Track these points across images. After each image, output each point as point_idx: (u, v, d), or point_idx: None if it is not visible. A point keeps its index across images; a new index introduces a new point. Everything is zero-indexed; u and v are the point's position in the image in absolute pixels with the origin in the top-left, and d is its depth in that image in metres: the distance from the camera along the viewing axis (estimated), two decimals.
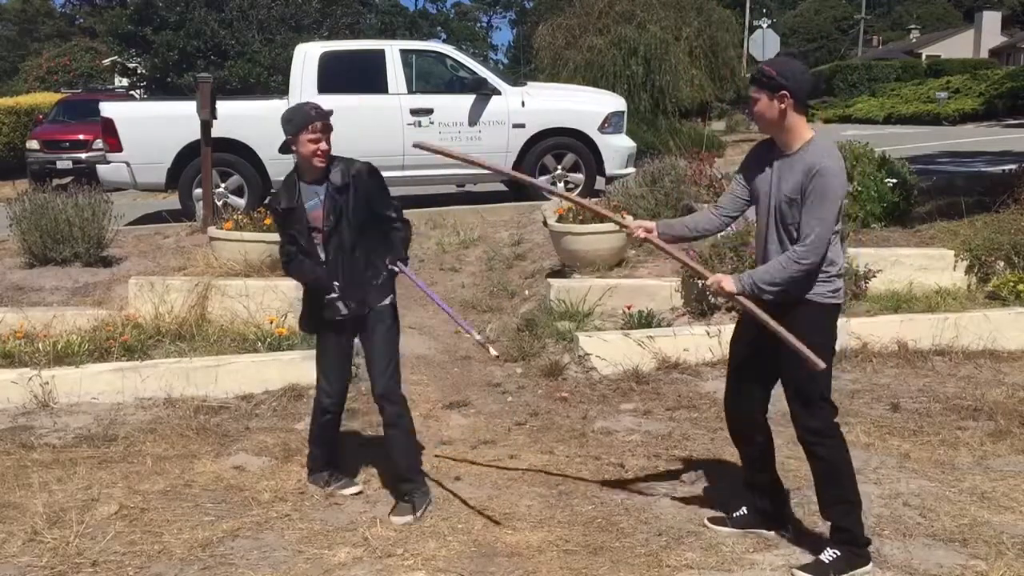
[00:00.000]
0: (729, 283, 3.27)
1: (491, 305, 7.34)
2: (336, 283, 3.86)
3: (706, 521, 3.73)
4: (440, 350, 6.52)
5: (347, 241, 3.84)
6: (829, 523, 3.38)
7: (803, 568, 3.32)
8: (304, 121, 3.74)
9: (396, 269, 3.94)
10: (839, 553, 3.29)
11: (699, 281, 3.21)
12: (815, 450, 3.34)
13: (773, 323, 3.17)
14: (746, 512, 3.67)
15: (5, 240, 8.25)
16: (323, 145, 3.77)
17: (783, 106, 3.17)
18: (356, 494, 4.09)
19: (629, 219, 3.61)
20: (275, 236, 6.76)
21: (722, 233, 6.96)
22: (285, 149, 3.86)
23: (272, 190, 10.35)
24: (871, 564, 3.33)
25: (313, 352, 5.69)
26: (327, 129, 3.79)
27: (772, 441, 3.62)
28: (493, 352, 3.94)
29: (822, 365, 3.12)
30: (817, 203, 3.12)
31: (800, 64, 3.40)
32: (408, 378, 5.87)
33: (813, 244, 3.13)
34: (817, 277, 3.23)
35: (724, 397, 3.67)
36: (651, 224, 3.54)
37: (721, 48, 20.14)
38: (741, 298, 3.26)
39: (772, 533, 3.61)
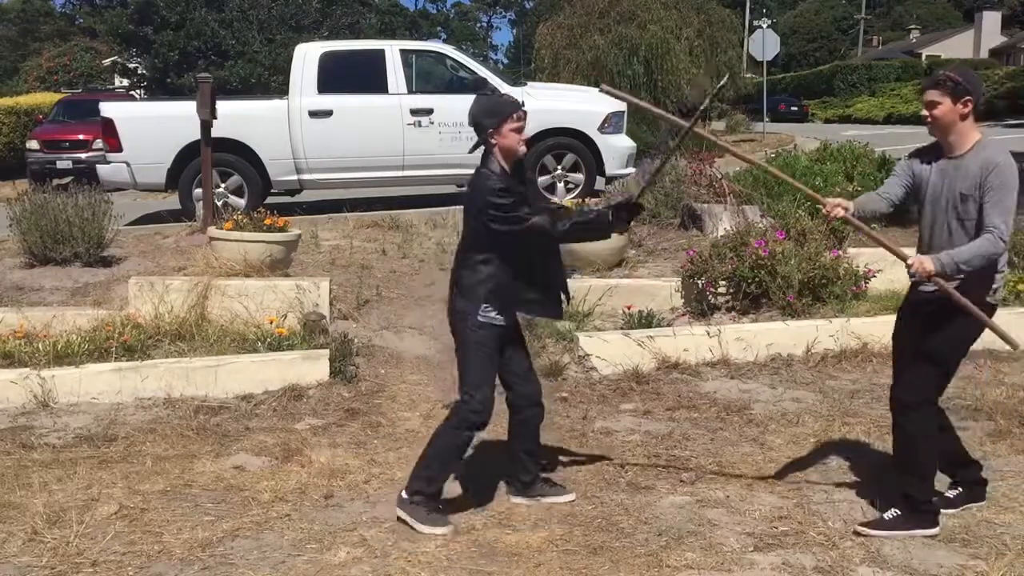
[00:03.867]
0: (929, 264, 3.39)
1: None
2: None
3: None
4: (440, 350, 6.51)
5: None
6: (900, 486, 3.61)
7: (864, 523, 3.61)
8: (508, 111, 3.69)
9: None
10: (899, 513, 3.57)
11: (904, 262, 3.39)
12: (897, 419, 3.60)
13: (968, 304, 3.40)
14: (961, 490, 3.85)
15: (5, 240, 8.25)
16: (524, 136, 3.74)
17: (965, 111, 3.40)
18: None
19: (829, 200, 3.67)
20: (275, 236, 6.83)
21: (721, 234, 6.99)
22: (481, 142, 3.74)
23: (272, 189, 10.37)
24: (936, 528, 3.56)
25: (313, 352, 5.74)
26: (524, 118, 3.74)
27: (944, 415, 3.86)
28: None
29: (1020, 345, 3.61)
30: (1000, 195, 3.34)
31: (974, 72, 3.66)
32: (408, 378, 5.90)
33: (1005, 230, 3.35)
34: (993, 273, 3.49)
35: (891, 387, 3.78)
36: (848, 203, 3.65)
37: (721, 48, 20.13)
38: (940, 280, 3.39)
39: (984, 503, 3.82)
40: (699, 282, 6.49)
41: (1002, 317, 5.98)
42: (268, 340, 5.87)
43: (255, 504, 3.98)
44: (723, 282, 6.40)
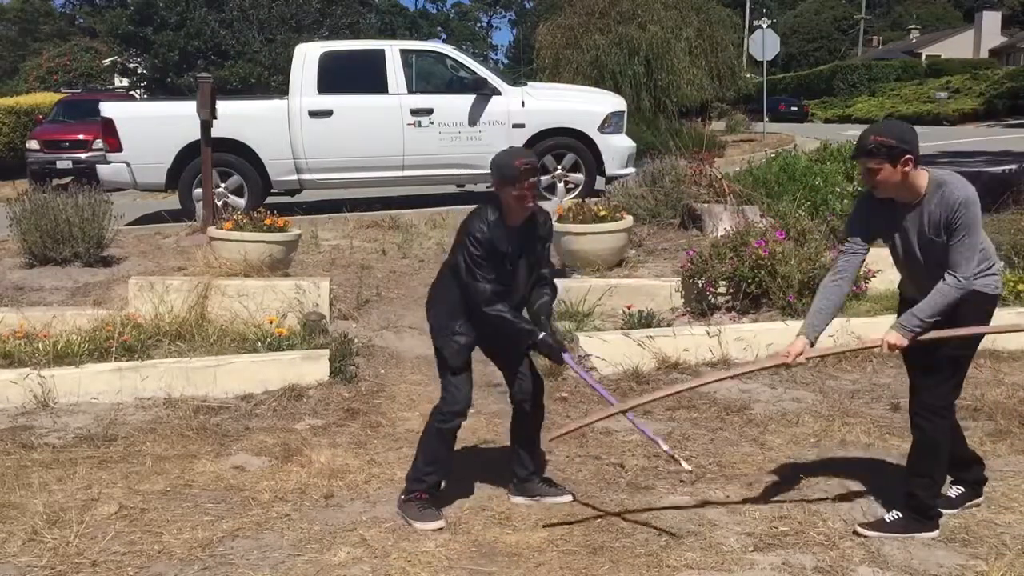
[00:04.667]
0: (896, 338, 3.42)
1: None
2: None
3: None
4: None
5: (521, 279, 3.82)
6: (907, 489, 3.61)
7: (864, 524, 3.61)
8: (515, 176, 3.60)
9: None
10: (901, 515, 3.58)
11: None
12: (920, 422, 3.56)
13: (945, 334, 3.43)
14: (964, 490, 3.85)
15: (5, 240, 8.25)
16: (530, 202, 3.68)
17: (907, 169, 3.33)
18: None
19: (788, 358, 3.60)
20: (275, 236, 6.83)
21: (721, 234, 6.99)
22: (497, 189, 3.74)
23: (272, 189, 10.37)
24: (936, 531, 3.57)
25: (313, 352, 5.74)
26: (534, 187, 3.68)
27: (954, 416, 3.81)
28: (687, 467, 3.81)
29: (985, 330, 3.62)
30: (967, 233, 3.33)
31: (903, 123, 3.55)
32: (408, 378, 5.89)
33: (967, 269, 3.35)
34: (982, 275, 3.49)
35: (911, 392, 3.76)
36: (801, 344, 3.56)
37: (721, 48, 20.14)
38: (919, 339, 3.42)
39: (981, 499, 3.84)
40: (699, 282, 6.49)
41: (1003, 317, 6.01)
42: (268, 340, 5.87)
43: (255, 504, 3.98)
44: (723, 282, 6.40)
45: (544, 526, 3.76)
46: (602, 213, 7.26)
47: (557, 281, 6.89)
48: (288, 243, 6.98)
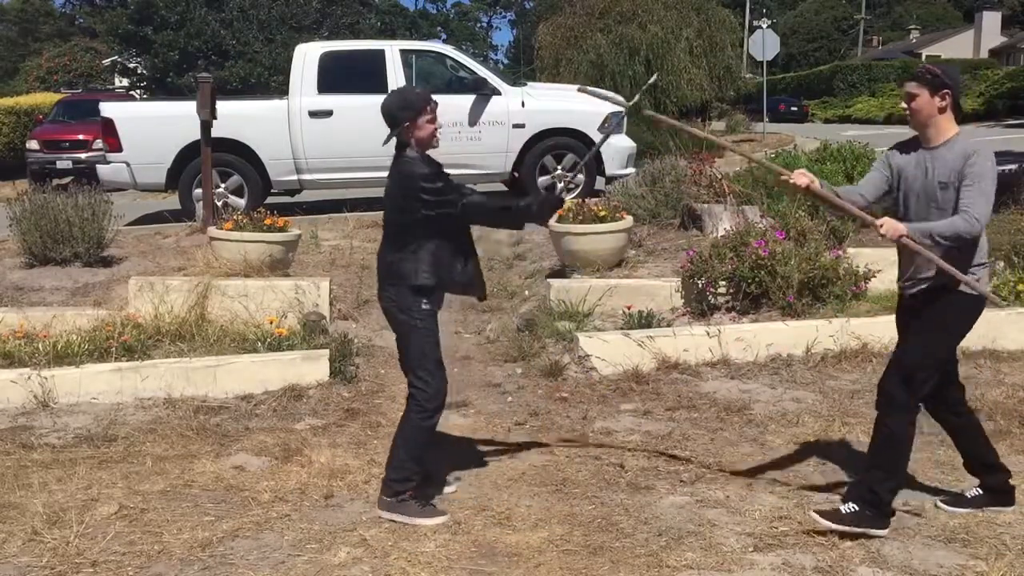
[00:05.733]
0: (894, 227, 3.47)
1: (491, 305, 7.33)
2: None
3: (939, 502, 3.85)
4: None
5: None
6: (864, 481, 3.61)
7: (820, 512, 3.59)
8: (423, 103, 3.78)
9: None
10: (857, 508, 3.54)
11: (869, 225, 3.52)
12: (883, 416, 3.58)
13: (936, 259, 3.44)
14: (981, 492, 3.84)
15: (5, 240, 8.25)
16: (439, 124, 3.86)
17: (943, 104, 3.47)
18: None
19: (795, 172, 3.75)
20: (275, 236, 6.83)
21: (721, 234, 6.99)
22: (395, 135, 3.85)
23: (272, 189, 10.36)
24: (886, 531, 3.53)
25: (313, 352, 5.74)
26: (436, 110, 3.85)
27: (971, 416, 3.91)
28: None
29: (1004, 302, 3.69)
30: (978, 181, 3.41)
31: (955, 70, 3.67)
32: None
33: (980, 213, 3.40)
34: (970, 264, 3.49)
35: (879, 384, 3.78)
36: (814, 177, 3.69)
37: (720, 48, 20.15)
38: (909, 240, 3.45)
39: (1010, 509, 3.78)
40: (699, 282, 6.49)
41: (1003, 317, 6.02)
42: (268, 340, 5.87)
43: (255, 504, 3.98)
44: (723, 282, 6.40)
45: (544, 526, 3.76)
46: (602, 213, 7.26)
47: (557, 281, 6.93)
48: (288, 243, 6.98)
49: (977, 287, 3.49)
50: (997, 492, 3.82)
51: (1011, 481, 3.86)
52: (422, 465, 3.89)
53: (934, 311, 3.56)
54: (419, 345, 3.82)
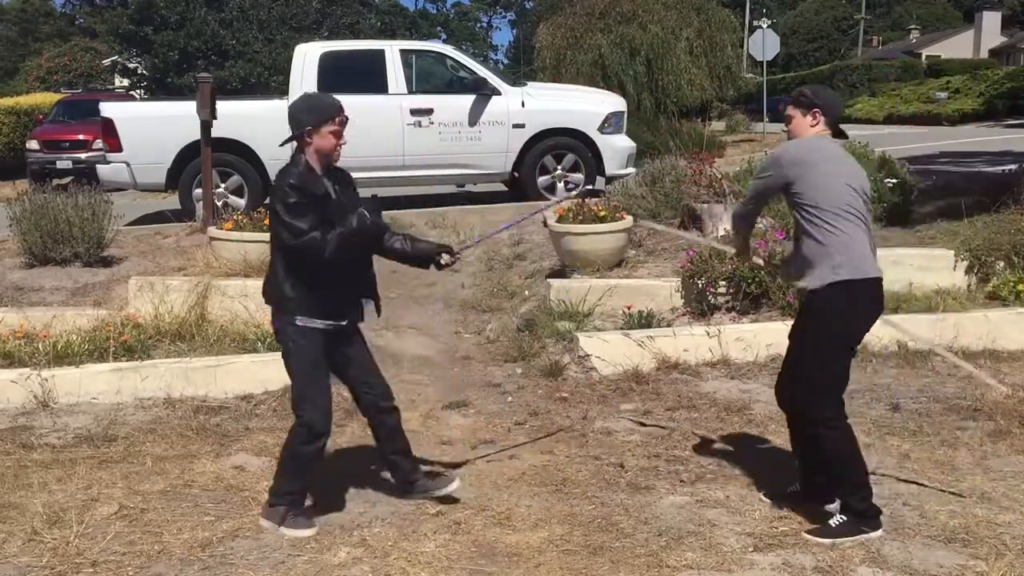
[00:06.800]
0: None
1: (491, 305, 7.34)
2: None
3: (762, 496, 3.93)
4: (440, 350, 6.52)
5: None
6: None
7: (810, 531, 3.60)
8: (330, 112, 3.60)
9: (455, 258, 4.00)
10: (845, 519, 3.56)
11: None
12: (811, 433, 3.62)
13: (717, 244, 3.98)
14: (799, 488, 3.87)
15: (5, 240, 8.25)
16: (343, 140, 3.67)
17: (815, 122, 3.68)
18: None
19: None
20: None
21: (721, 234, 6.98)
22: (295, 139, 3.65)
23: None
24: (880, 531, 3.54)
25: None
26: (345, 123, 3.67)
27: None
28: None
29: (731, 252, 4.32)
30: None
31: (831, 92, 3.91)
32: (408, 378, 5.89)
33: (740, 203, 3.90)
34: (820, 264, 3.52)
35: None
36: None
37: (720, 48, 20.15)
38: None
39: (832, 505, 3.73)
40: (699, 282, 6.48)
41: (1003, 317, 6.02)
42: (268, 340, 5.86)
43: (255, 504, 3.98)
44: (723, 282, 6.40)
45: (544, 526, 3.76)
46: (602, 213, 7.26)
47: (557, 281, 6.92)
48: None
49: (699, 240, 4.33)
50: (819, 488, 3.77)
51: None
52: (302, 484, 3.75)
53: (806, 317, 3.68)
54: (291, 368, 3.72)
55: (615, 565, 3.42)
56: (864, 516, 3.55)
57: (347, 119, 3.67)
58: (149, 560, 3.49)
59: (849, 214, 3.50)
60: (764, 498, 3.95)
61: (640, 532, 3.68)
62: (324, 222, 3.54)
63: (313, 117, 3.59)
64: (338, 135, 3.63)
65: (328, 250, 3.50)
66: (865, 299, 3.56)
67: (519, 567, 3.42)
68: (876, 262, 3.59)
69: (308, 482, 3.81)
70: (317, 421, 3.67)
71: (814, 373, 3.59)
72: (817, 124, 3.66)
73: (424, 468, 4.11)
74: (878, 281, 3.57)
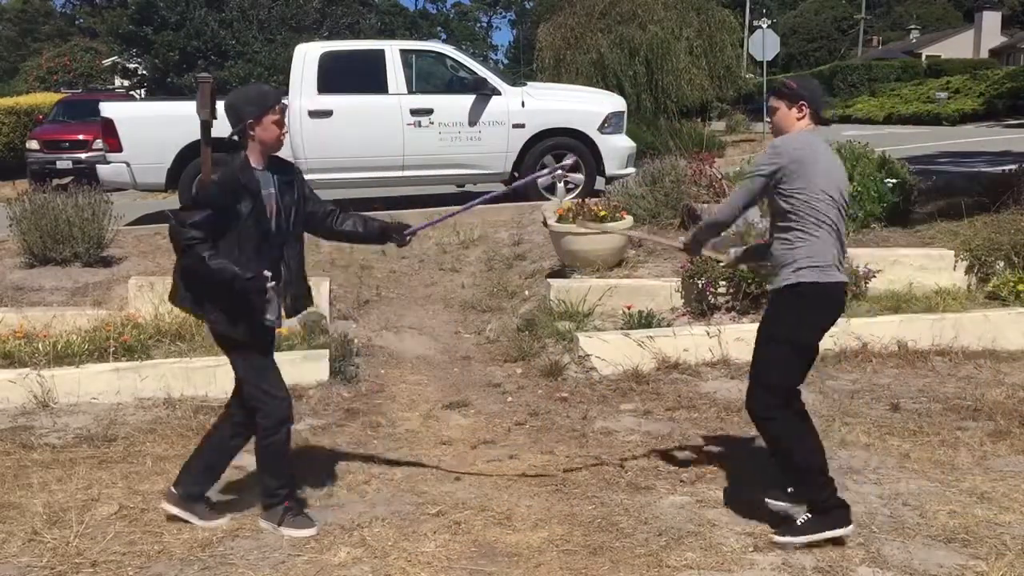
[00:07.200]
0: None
1: (491, 305, 7.34)
2: (273, 283, 3.53)
3: (762, 497, 3.84)
4: (440, 350, 6.52)
5: (293, 239, 3.67)
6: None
7: (776, 531, 3.56)
8: (270, 102, 3.53)
9: (410, 236, 3.94)
10: (810, 516, 3.51)
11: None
12: (758, 426, 3.66)
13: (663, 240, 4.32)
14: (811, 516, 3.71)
15: (5, 240, 8.25)
16: (285, 129, 3.59)
17: (800, 115, 3.63)
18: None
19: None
20: None
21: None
22: (237, 132, 3.54)
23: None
24: (848, 527, 3.49)
25: (313, 352, 5.73)
26: (284, 111, 3.61)
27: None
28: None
29: (678, 244, 4.26)
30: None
31: (815, 83, 3.85)
32: (408, 378, 5.90)
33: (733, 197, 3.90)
34: (784, 266, 3.54)
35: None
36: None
37: (720, 48, 20.15)
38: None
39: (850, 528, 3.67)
40: (699, 282, 6.49)
41: (1003, 317, 6.02)
42: None
43: (255, 504, 3.98)
44: (723, 282, 6.40)
45: (544, 526, 3.76)
46: (602, 213, 7.26)
47: (557, 281, 6.93)
48: None
49: (662, 241, 4.67)
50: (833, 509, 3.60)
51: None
52: (283, 478, 3.73)
53: (768, 313, 3.70)
54: (235, 365, 3.72)
55: (615, 565, 3.42)
56: (822, 508, 3.49)
57: (286, 106, 3.59)
58: (149, 560, 3.49)
59: (823, 222, 3.48)
60: (764, 498, 3.93)
61: (640, 532, 3.68)
62: (259, 223, 3.50)
63: (254, 108, 3.51)
64: (280, 124, 3.56)
65: (208, 269, 3.44)
66: (822, 303, 3.55)
67: (519, 567, 3.42)
68: (841, 265, 3.57)
69: (290, 472, 3.79)
70: (277, 411, 3.67)
71: (760, 369, 3.59)
72: (803, 117, 3.61)
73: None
74: (839, 285, 3.56)
